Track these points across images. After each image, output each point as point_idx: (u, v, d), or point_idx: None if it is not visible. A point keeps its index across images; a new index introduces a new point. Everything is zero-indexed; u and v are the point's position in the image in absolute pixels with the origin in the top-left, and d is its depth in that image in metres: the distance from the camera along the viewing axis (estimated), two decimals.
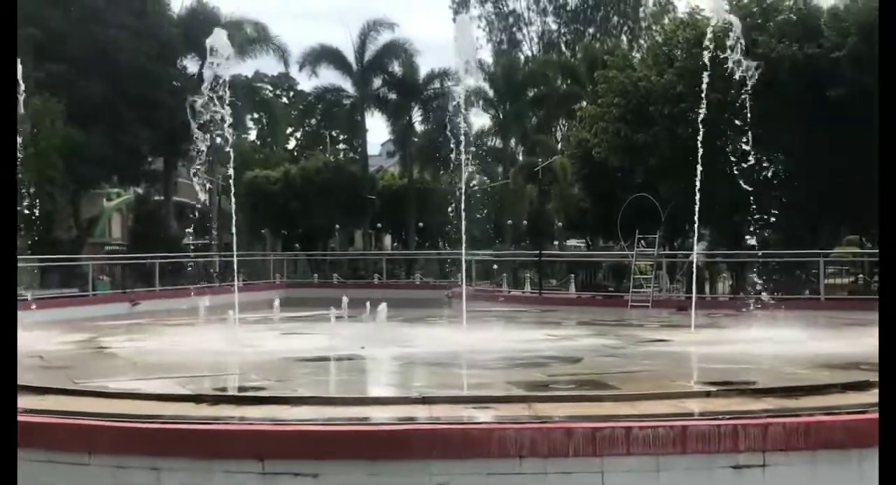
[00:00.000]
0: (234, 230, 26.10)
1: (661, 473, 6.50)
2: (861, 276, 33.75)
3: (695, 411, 7.32)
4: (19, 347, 12.81)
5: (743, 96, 16.46)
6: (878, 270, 5.81)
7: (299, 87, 73.97)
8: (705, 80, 17.17)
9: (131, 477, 6.70)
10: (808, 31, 31.84)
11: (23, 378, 9.68)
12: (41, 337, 14.70)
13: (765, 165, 17.93)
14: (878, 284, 5.39)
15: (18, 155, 17.49)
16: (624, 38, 65.11)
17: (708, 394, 8.23)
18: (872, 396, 7.91)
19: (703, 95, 16.92)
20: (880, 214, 6.12)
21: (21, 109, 17.85)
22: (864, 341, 12.77)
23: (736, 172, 17.25)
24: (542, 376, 10.05)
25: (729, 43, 15.89)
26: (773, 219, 32.27)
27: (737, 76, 16.23)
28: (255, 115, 67.09)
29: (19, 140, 17.76)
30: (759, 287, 26.34)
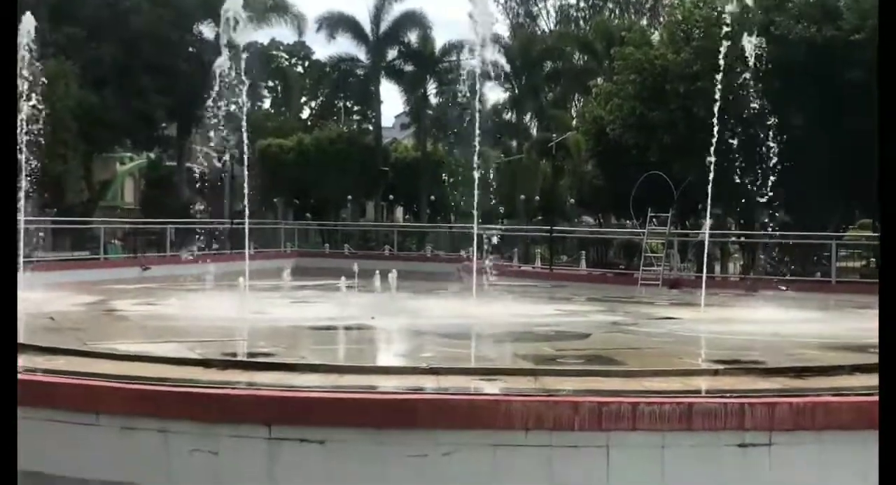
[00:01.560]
0: (246, 198, 26.09)
1: (666, 449, 6.51)
2: (873, 259, 33.69)
3: (701, 389, 7.34)
4: (32, 307, 12.92)
5: (759, 77, 16.41)
6: (879, 271, 5.76)
7: (314, 57, 73.77)
8: (722, 59, 17.09)
9: (138, 438, 6.73)
10: (828, 12, 31.61)
11: (34, 339, 9.76)
12: (52, 299, 14.80)
13: (781, 146, 17.83)
14: (879, 285, 5.30)
15: (32, 119, 17.65)
16: (643, 15, 64.70)
17: (715, 372, 8.25)
18: None
19: (719, 75, 16.85)
20: (881, 214, 5.99)
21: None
22: (874, 325, 12.77)
23: (750, 152, 17.23)
24: (551, 350, 10.08)
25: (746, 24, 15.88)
26: (786, 200, 32.21)
27: (751, 59, 16.16)
28: (270, 84, 66.96)
29: (35, 101, 17.90)
30: (770, 268, 26.37)
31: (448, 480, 6.45)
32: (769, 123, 15.78)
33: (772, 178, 15.64)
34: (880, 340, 5.56)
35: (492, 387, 7.19)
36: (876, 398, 7.16)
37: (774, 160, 16.82)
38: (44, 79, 20.62)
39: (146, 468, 6.71)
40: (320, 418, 6.62)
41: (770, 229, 25.68)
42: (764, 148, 15.65)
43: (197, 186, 50.33)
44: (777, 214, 26.83)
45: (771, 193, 16.32)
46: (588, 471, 6.47)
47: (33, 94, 17.60)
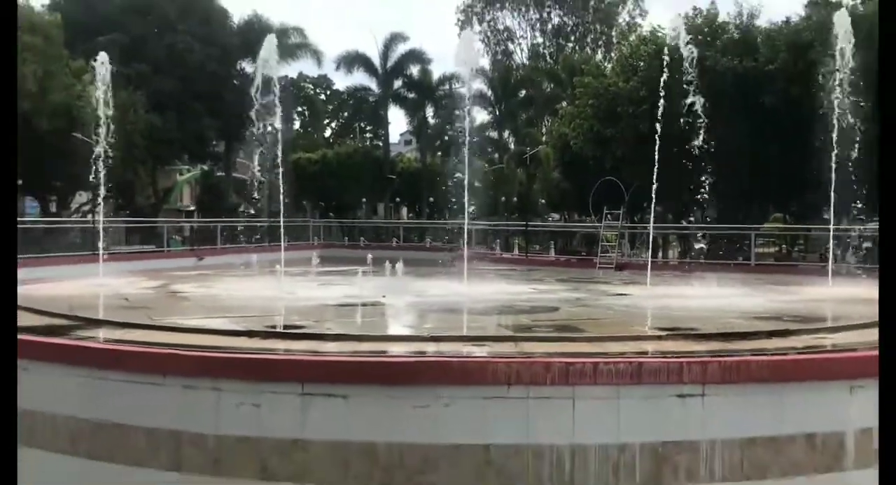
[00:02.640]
0: (281, 201, 26.08)
1: (620, 400, 6.52)
2: (784, 246, 33.76)
3: (648, 351, 7.33)
4: (110, 291, 12.90)
5: (693, 100, 16.37)
6: (879, 270, 5.62)
7: (335, 87, 73.82)
8: (662, 86, 17.07)
9: (196, 395, 6.73)
10: (747, 47, 31.66)
11: (113, 316, 9.76)
12: (126, 283, 14.76)
13: (710, 156, 17.85)
14: (879, 285, 5.19)
15: (109, 138, 17.58)
16: (598, 50, 64.59)
17: (660, 337, 8.26)
18: (792, 341, 7.94)
19: (660, 99, 16.84)
20: (881, 214, 5.60)
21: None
22: (785, 298, 12.80)
23: (686, 161, 17.22)
24: (527, 321, 10.08)
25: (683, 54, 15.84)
26: (715, 199, 32.20)
27: (687, 85, 16.14)
28: (299, 109, 66.94)
29: (111, 126, 17.84)
30: (702, 254, 26.38)
31: (447, 425, 6.46)
32: (701, 137, 15.73)
33: (703, 181, 15.66)
34: (880, 340, 5.18)
35: (481, 351, 7.19)
36: (789, 357, 7.19)
37: (705, 167, 16.85)
38: (116, 107, 20.61)
39: (203, 419, 6.70)
40: (343, 378, 6.62)
41: (702, 222, 25.75)
42: (697, 158, 15.62)
43: (241, 191, 50.60)
44: (707, 211, 26.93)
45: (703, 194, 16.33)
46: (558, 417, 6.48)
47: (110, 120, 17.52)
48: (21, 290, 12.09)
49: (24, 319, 9.09)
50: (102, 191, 18.82)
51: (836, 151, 14.94)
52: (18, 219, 34.04)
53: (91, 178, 18.00)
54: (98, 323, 8.87)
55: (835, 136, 14.96)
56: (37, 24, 31.61)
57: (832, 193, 15.25)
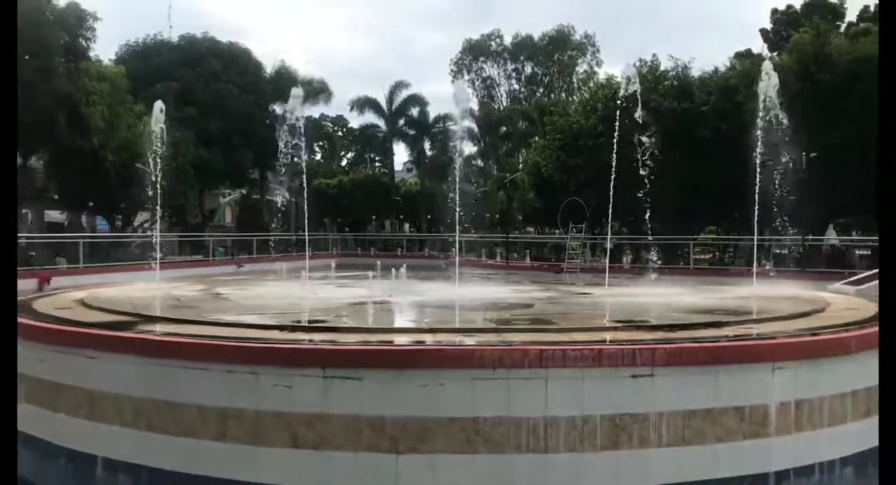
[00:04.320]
0: (305, 219, 26.13)
1: (584, 380, 6.51)
2: (717, 253, 33.84)
3: (607, 339, 7.33)
4: (167, 293, 12.85)
5: (641, 135, 16.43)
6: (879, 270, 5.45)
7: (350, 125, 73.87)
8: (617, 123, 17.15)
9: (238, 378, 6.72)
10: (684, 92, 31.91)
11: (168, 313, 9.72)
12: (178, 286, 14.71)
13: (656, 179, 17.83)
14: (879, 285, 5.03)
15: (165, 168, 17.55)
16: (563, 94, 64.76)
17: (616, 328, 8.25)
18: (724, 331, 7.94)
19: (615, 133, 16.89)
20: (881, 214, 4.94)
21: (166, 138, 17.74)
22: (718, 296, 12.81)
23: (637, 184, 17.20)
24: (508, 316, 10.06)
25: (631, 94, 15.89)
26: (660, 215, 32.33)
27: (638, 121, 16.19)
28: (320, 143, 67.03)
29: (166, 158, 17.80)
30: (650, 260, 26.33)
31: (443, 401, 6.45)
32: (649, 164, 15.77)
33: (651, 201, 15.67)
34: (881, 339, 4.66)
35: (470, 340, 7.17)
36: (722, 344, 7.17)
37: (653, 189, 16.81)
38: (170, 144, 20.64)
39: (244, 397, 6.68)
40: (358, 363, 6.60)
41: (650, 234, 25.83)
42: (645, 181, 15.65)
43: (273, 211, 50.49)
44: (654, 224, 26.92)
45: (650, 211, 16.37)
46: (533, 394, 6.47)
47: (165, 153, 17.51)
48: (91, 292, 12.06)
49: (93, 316, 9.07)
50: (159, 211, 18.78)
51: (758, 175, 15.01)
52: (91, 234, 34.07)
53: (150, 200, 17.97)
54: (155, 319, 8.83)
55: (757, 162, 15.03)
56: (104, 74, 31.61)
57: (755, 209, 15.30)
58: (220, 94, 41.44)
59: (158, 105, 17.03)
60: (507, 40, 66.88)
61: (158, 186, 16.43)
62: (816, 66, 28.01)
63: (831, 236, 31.56)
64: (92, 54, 31.27)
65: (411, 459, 6.43)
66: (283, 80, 43.92)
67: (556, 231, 39.20)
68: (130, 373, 7.17)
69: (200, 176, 38.84)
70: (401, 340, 7.63)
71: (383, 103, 54.47)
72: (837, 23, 35.57)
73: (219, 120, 40.85)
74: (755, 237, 18.30)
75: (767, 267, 19.71)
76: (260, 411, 6.64)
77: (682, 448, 6.64)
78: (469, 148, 56.98)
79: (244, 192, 52.04)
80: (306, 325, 8.62)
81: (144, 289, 13.63)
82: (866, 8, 41.32)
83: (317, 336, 7.54)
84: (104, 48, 50.23)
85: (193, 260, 34.23)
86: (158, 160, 16.37)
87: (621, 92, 18.28)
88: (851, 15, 41.27)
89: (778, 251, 28.16)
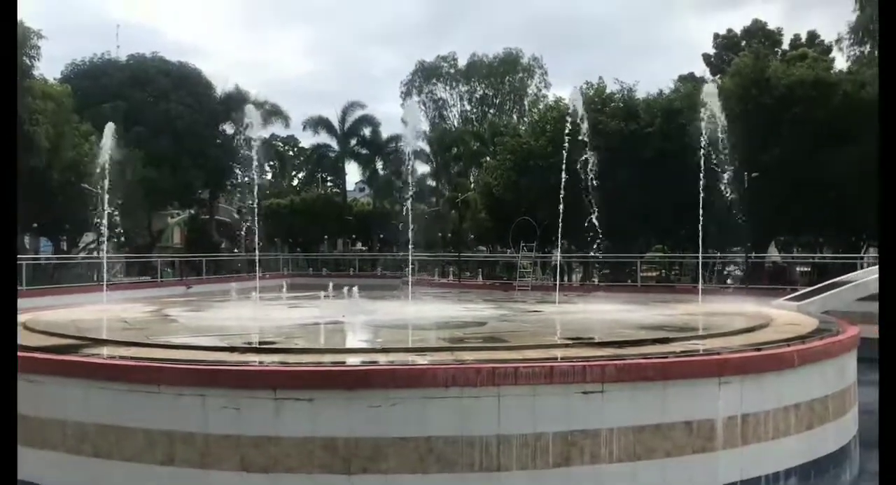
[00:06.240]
0: (256, 239, 25.78)
1: (536, 397, 6.52)
2: (664, 271, 34.37)
3: (558, 357, 7.35)
4: (114, 315, 12.53)
5: (589, 155, 16.67)
6: (879, 271, 5.48)
7: (301, 145, 73.50)
8: (565, 144, 17.36)
9: (186, 400, 6.56)
10: (630, 113, 32.48)
11: (115, 335, 9.47)
12: (125, 308, 14.35)
13: (604, 198, 18.07)
14: (879, 286, 5.06)
15: (111, 188, 17.20)
16: (513, 115, 65.42)
17: (567, 345, 8.27)
18: (672, 347, 8.02)
19: (564, 154, 17.08)
20: (880, 214, 4.87)
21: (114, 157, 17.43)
22: (666, 312, 12.98)
23: (585, 203, 17.43)
24: (461, 334, 10.03)
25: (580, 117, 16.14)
26: (608, 233, 32.81)
27: (586, 142, 16.42)
28: (271, 163, 66.50)
29: (113, 178, 17.49)
30: (598, 278, 26.61)
31: (395, 421, 6.39)
32: (597, 184, 16.00)
33: (599, 219, 15.85)
34: (881, 340, 4.56)
35: (423, 359, 7.13)
36: (670, 360, 7.25)
37: (600, 207, 17.06)
38: (118, 163, 20.27)
39: (192, 420, 6.53)
40: (309, 384, 6.51)
41: (598, 252, 26.11)
42: (593, 200, 15.85)
43: (222, 231, 49.81)
44: (602, 242, 27.30)
45: (598, 229, 16.56)
46: (486, 412, 6.46)
47: (112, 173, 17.19)
48: (34, 315, 11.69)
49: (37, 339, 8.77)
50: (105, 232, 18.37)
51: (702, 194, 15.30)
52: (35, 256, 33.10)
53: (96, 221, 17.58)
54: (101, 342, 8.59)
55: (701, 181, 15.32)
56: (49, 92, 30.90)
57: (700, 228, 15.59)
58: (169, 113, 40.91)
59: (110, 127, 16.77)
60: (462, 63, 67.29)
61: (105, 206, 16.08)
62: (757, 89, 28.87)
63: (773, 254, 32.42)
64: (36, 73, 30.52)
65: (364, 479, 6.34)
66: (234, 101, 43.60)
67: (508, 250, 39.42)
68: (75, 397, 6.95)
69: (148, 196, 38.12)
70: (353, 360, 7.55)
71: (335, 123, 54.32)
72: (775, 48, 36.79)
73: (168, 140, 40.29)
74: (700, 255, 18.64)
75: (712, 284, 20.08)
76: (209, 435, 6.48)
77: (633, 463, 6.68)
78: (421, 168, 57.20)
79: (193, 212, 51.23)
80: (256, 346, 8.47)
81: (90, 311, 13.25)
82: (797, 36, 43.00)
83: (267, 357, 7.41)
84: (49, 67, 49.00)
85: (141, 281, 33.48)
86: (105, 181, 16.04)
87: (568, 113, 18.51)
88: (786, 43, 42.84)
89: (722, 269, 28.78)
